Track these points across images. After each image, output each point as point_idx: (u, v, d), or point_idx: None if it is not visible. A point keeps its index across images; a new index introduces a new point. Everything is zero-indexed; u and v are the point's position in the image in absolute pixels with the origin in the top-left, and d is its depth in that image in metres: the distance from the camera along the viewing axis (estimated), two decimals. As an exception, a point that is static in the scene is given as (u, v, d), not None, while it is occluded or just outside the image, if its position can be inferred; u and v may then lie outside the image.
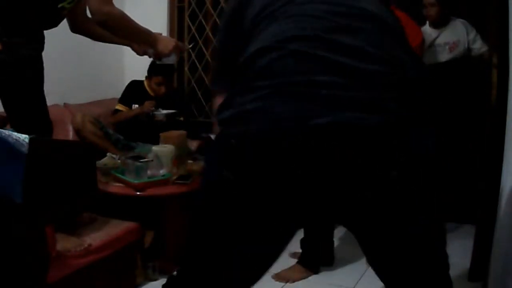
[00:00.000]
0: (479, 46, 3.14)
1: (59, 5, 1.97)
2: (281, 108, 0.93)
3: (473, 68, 3.18)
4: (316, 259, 2.51)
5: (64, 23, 2.13)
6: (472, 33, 3.14)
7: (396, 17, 1.17)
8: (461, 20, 3.18)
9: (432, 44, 3.19)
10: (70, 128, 2.81)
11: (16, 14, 1.88)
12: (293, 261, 2.57)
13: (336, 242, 2.85)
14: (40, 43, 1.99)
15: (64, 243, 1.89)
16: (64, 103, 3.02)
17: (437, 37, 3.18)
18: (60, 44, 2.22)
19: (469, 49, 3.18)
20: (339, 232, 3.13)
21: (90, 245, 1.96)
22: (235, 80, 1.05)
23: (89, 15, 1.86)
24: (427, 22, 3.23)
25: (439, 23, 3.17)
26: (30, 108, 1.96)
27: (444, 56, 3.18)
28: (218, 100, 1.08)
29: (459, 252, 2.75)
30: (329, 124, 0.90)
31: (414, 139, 0.97)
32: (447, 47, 3.17)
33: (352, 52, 0.96)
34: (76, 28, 2.19)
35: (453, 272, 2.57)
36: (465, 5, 3.22)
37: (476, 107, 3.09)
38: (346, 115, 0.90)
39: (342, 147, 0.92)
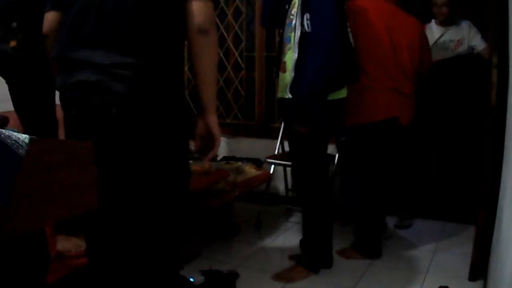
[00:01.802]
0: (477, 43, 3.22)
1: None
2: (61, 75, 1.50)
3: (474, 65, 3.25)
4: (316, 259, 2.51)
5: None
6: (473, 31, 3.23)
7: None
8: (465, 20, 3.28)
9: (437, 41, 3.28)
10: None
11: (30, 12, 1.89)
12: (293, 263, 2.57)
13: (336, 242, 2.86)
14: None
15: (64, 243, 1.89)
16: (64, 103, 3.01)
17: (442, 35, 3.28)
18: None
19: (471, 47, 3.27)
20: (339, 232, 3.13)
21: (90, 245, 1.96)
22: None
23: None
24: (433, 20, 3.32)
25: (447, 22, 3.26)
26: (39, 105, 1.98)
27: (449, 53, 3.28)
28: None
29: (459, 252, 2.75)
30: (76, 81, 1.42)
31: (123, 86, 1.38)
32: (452, 44, 3.27)
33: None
34: None
35: (453, 272, 2.59)
36: (466, 5, 3.22)
37: (476, 107, 3.09)
38: (82, 75, 1.40)
39: (83, 95, 1.42)
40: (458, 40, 3.27)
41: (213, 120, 1.56)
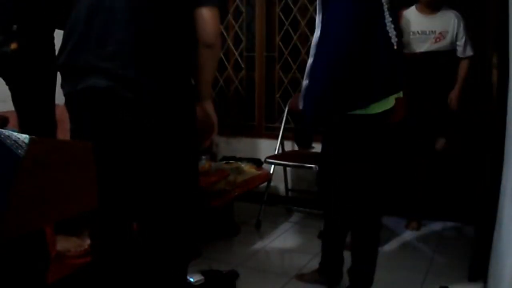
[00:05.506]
0: (462, 44, 2.84)
1: None
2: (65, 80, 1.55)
3: (455, 66, 2.92)
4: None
5: None
6: (461, 26, 2.84)
7: None
8: (453, 11, 2.88)
9: (415, 30, 2.85)
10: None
11: (30, 15, 1.91)
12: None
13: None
14: (52, 45, 2.03)
15: (64, 243, 1.89)
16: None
17: (422, 23, 2.85)
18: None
19: (454, 44, 2.88)
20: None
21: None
22: None
23: None
24: (414, 6, 2.93)
25: (431, 8, 2.84)
26: (39, 106, 1.99)
27: (425, 45, 2.86)
28: None
29: (459, 252, 2.75)
30: (85, 87, 1.44)
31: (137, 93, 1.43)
32: (432, 36, 2.84)
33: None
34: None
35: (453, 272, 2.59)
36: (465, 4, 3.21)
37: (476, 107, 3.09)
38: (91, 81, 1.42)
39: (94, 99, 1.45)
40: (440, 33, 2.80)
41: (210, 105, 1.66)
